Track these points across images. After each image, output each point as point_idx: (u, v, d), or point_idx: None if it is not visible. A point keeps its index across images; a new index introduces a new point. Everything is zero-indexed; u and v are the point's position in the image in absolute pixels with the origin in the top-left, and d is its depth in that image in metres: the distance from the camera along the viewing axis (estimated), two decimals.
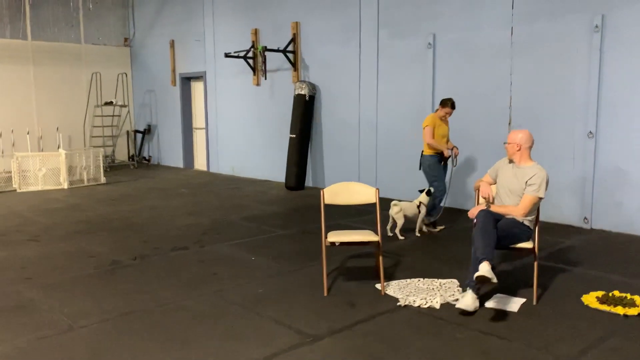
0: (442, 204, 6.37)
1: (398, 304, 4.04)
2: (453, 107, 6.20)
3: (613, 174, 6.20)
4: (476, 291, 3.88)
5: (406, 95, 8.27)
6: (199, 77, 12.49)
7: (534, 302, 4.03)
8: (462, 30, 7.48)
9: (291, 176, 9.67)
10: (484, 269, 3.63)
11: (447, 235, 6.22)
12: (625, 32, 6.00)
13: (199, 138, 13.07)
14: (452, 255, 5.34)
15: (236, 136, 11.54)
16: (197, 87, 12.87)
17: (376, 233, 4.37)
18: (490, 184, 4.42)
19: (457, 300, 4.08)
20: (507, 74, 7.07)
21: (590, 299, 4.06)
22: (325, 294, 4.25)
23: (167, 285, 4.49)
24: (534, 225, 4.17)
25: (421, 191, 6.19)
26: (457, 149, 6.37)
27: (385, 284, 4.37)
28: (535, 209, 4.14)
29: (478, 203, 4.42)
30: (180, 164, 13.20)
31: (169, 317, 3.82)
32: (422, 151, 6.36)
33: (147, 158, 14.15)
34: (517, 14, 6.90)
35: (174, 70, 13.05)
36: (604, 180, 6.27)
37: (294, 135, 9.64)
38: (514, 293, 4.23)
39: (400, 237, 5.96)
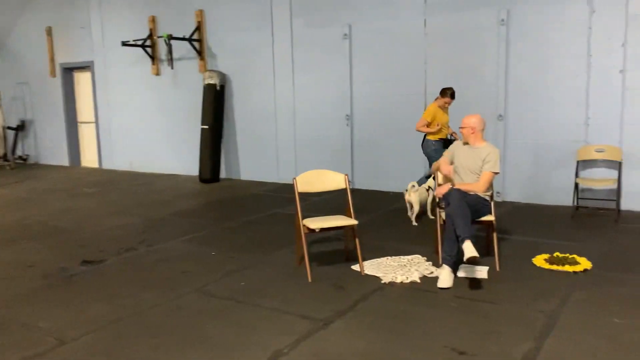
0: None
1: (382, 281, 4.25)
2: (453, 97, 6.37)
3: (521, 152, 7.00)
4: (452, 266, 4.21)
5: (324, 84, 8.48)
6: (85, 67, 11.54)
7: (497, 269, 4.48)
8: (377, 21, 7.85)
9: (205, 168, 9.42)
10: (470, 248, 3.96)
11: (393, 215, 6.56)
12: (527, 25, 6.78)
13: (86, 133, 12.10)
14: (402, 234, 5.68)
15: (134, 129, 10.90)
16: (82, 78, 11.87)
17: (349, 216, 4.52)
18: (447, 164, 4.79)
19: (431, 273, 4.40)
20: (422, 63, 7.59)
21: (540, 261, 4.62)
22: (310, 280, 4.31)
23: (143, 287, 4.24)
24: (491, 199, 4.62)
25: (427, 177, 6.46)
26: (457, 134, 6.53)
27: (362, 264, 4.54)
28: (491, 184, 4.59)
29: (439, 183, 4.78)
30: (66, 162, 12.14)
31: (169, 318, 3.64)
32: (425, 135, 6.55)
33: (23, 157, 12.77)
34: (430, 5, 7.42)
35: (52, 60, 11.89)
36: (513, 157, 7.06)
37: (206, 127, 9.39)
38: (476, 262, 4.65)
39: (415, 223, 6.06)
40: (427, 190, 6.19)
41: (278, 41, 8.82)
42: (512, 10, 6.84)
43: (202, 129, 9.41)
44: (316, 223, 4.39)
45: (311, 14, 8.43)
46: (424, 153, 6.72)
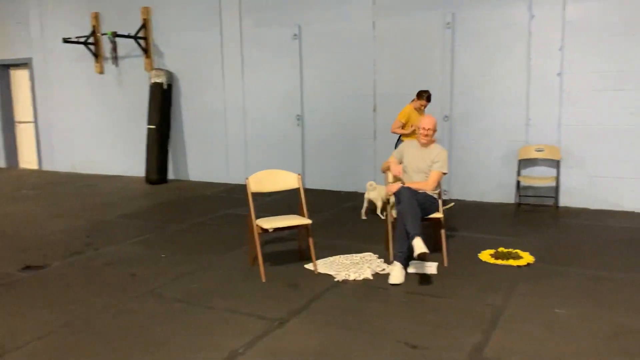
0: None
1: (335, 279, 4.30)
2: (429, 100, 6.32)
3: (466, 152, 7.23)
4: (403, 262, 4.31)
5: (275, 84, 8.47)
6: (22, 64, 11.03)
7: (445, 264, 4.62)
8: (327, 22, 7.91)
9: (152, 169, 9.20)
10: (421, 245, 4.06)
11: (344, 214, 6.62)
12: (471, 28, 7.01)
13: (24, 133, 11.56)
14: (353, 232, 5.75)
15: (77, 129, 10.52)
16: (19, 76, 11.34)
17: (302, 216, 4.55)
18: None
19: (383, 270, 4.49)
20: (372, 64, 7.71)
21: (486, 256, 4.80)
22: (263, 279, 4.31)
23: (90, 292, 4.10)
24: (439, 197, 4.76)
25: None
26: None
27: (316, 263, 4.57)
28: (440, 183, 4.73)
29: (388, 182, 4.88)
30: (1, 163, 11.55)
31: (120, 322, 3.54)
32: (400, 137, 6.50)
33: None
34: (379, 8, 7.55)
35: None
36: (458, 157, 7.28)
37: (153, 126, 9.18)
38: (425, 258, 4.77)
39: (364, 217, 6.30)
40: None
41: (227, 40, 8.74)
42: (457, 14, 7.06)
43: (149, 129, 9.18)
44: (270, 223, 4.38)
45: (261, 13, 8.40)
46: None
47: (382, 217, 6.11)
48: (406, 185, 4.60)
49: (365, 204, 6.37)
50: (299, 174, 4.67)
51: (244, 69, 8.68)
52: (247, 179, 4.49)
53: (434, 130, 4.72)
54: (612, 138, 6.39)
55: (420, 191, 4.58)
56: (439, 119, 7.27)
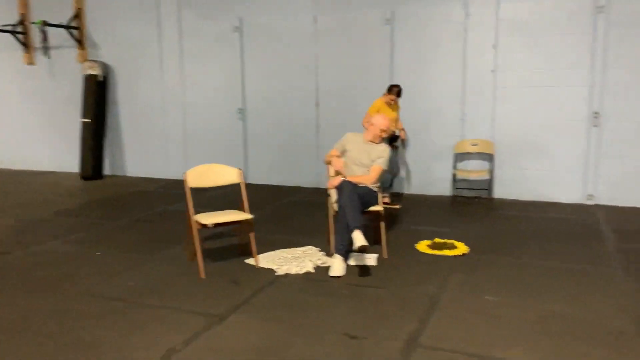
0: (391, 183, 6.63)
1: (276, 273, 4.30)
2: (399, 95, 6.27)
3: (412, 146, 7.39)
4: (344, 255, 4.37)
5: (215, 77, 8.34)
6: None
7: (385, 255, 4.72)
8: (268, 15, 7.86)
9: (87, 165, 8.88)
10: (360, 237, 4.13)
11: (286, 209, 6.62)
12: (410, 25, 7.16)
13: None
14: (295, 226, 5.77)
15: (4, 123, 10.00)
16: None
17: (243, 211, 4.52)
18: (338, 157, 4.95)
19: (324, 263, 4.53)
20: (314, 59, 7.73)
21: (423, 247, 4.95)
22: (203, 276, 4.25)
23: (21, 292, 3.92)
24: (378, 191, 4.85)
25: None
26: (404, 132, 6.62)
27: (257, 258, 4.55)
28: (380, 178, 4.82)
29: (331, 175, 4.92)
30: None
31: (52, 323, 3.39)
32: None
33: None
34: (320, 3, 7.58)
35: None
36: (405, 151, 7.43)
37: (88, 120, 8.85)
38: (365, 250, 4.86)
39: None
40: None
41: (166, 32, 8.52)
42: (396, 11, 7.19)
43: (83, 123, 8.84)
44: (209, 218, 4.32)
45: (201, 5, 8.24)
46: None
47: None
48: (347, 178, 4.65)
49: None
50: (239, 169, 4.63)
51: (183, 61, 8.50)
52: (184, 173, 4.41)
53: (387, 132, 4.83)
54: (542, 133, 6.71)
55: (361, 185, 4.65)
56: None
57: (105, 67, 8.88)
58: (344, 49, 7.55)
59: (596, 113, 6.43)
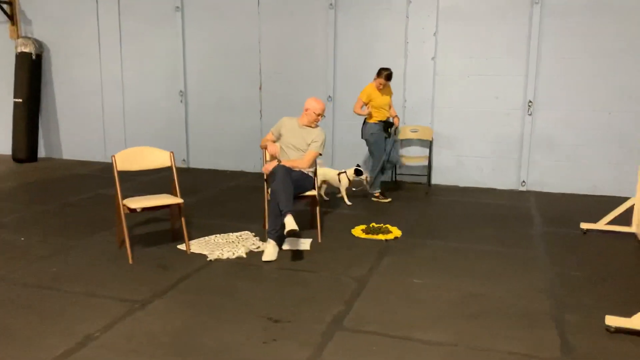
0: (382, 174, 6.26)
1: (208, 259, 4.25)
2: (387, 78, 5.97)
3: (348, 132, 7.41)
4: (276, 239, 4.35)
5: (155, 58, 8.11)
6: None
7: (319, 240, 4.73)
8: None
9: (20, 147, 8.50)
10: (291, 222, 4.11)
11: (226, 193, 6.53)
12: (353, 10, 7.14)
13: None
14: (234, 211, 5.71)
15: None
16: None
17: (174, 195, 4.43)
18: (274, 141, 4.91)
19: (258, 248, 4.51)
20: (257, 41, 7.62)
21: (358, 232, 4.99)
22: (131, 261, 4.15)
23: None
24: (314, 176, 4.85)
25: (358, 166, 6.11)
26: (398, 119, 6.32)
27: (188, 243, 4.47)
28: (315, 162, 4.82)
29: (266, 160, 4.88)
30: None
31: None
32: (365, 119, 6.14)
33: None
34: None
35: None
36: (342, 137, 7.45)
37: (20, 100, 8.44)
38: (299, 235, 4.86)
39: (325, 198, 6.16)
40: (338, 174, 6.04)
41: (103, 9, 8.20)
42: None
43: (15, 103, 8.43)
44: (137, 202, 4.21)
45: None
46: (362, 138, 6.25)
47: (348, 204, 6.00)
48: (282, 163, 4.62)
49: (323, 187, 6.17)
50: (171, 152, 4.51)
51: (122, 41, 8.21)
52: (113, 156, 4.27)
53: (323, 116, 4.80)
54: (477, 120, 6.86)
55: (296, 169, 4.63)
56: (323, 99, 7.37)
57: (39, 45, 8.47)
58: (287, 33, 7.46)
59: (530, 102, 6.62)
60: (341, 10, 7.18)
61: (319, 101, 4.78)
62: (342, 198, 6.11)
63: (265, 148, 4.89)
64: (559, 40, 6.43)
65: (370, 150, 6.25)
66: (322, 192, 6.13)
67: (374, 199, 6.21)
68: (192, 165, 8.15)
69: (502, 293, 3.64)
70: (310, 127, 4.81)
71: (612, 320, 3.09)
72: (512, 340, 2.99)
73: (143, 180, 6.96)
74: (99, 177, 7.36)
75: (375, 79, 6.06)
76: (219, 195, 6.46)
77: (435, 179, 7.12)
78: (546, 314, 3.33)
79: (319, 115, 4.76)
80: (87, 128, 8.61)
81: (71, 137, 8.76)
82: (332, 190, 6.36)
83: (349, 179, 6.02)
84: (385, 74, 5.96)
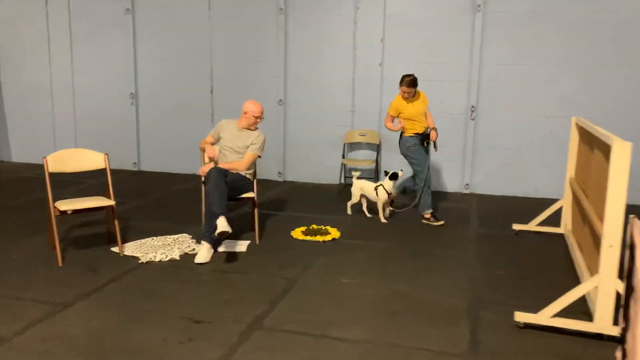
0: (425, 192, 5.51)
1: (140, 261, 4.24)
2: (408, 85, 5.31)
3: (299, 135, 7.48)
4: (210, 241, 4.37)
5: (106, 60, 8.04)
6: None
7: (257, 242, 4.77)
8: None
9: None
10: (223, 223, 4.13)
11: (172, 196, 6.51)
12: (304, 15, 7.22)
13: None
14: (175, 214, 5.70)
15: None
16: None
17: (108, 197, 4.40)
18: (212, 144, 4.94)
19: (193, 250, 4.52)
20: (208, 45, 7.63)
21: (297, 233, 5.04)
22: (60, 264, 4.11)
23: None
24: (253, 178, 4.88)
25: (386, 173, 5.54)
26: (436, 132, 5.49)
27: (122, 246, 4.46)
28: (254, 164, 4.85)
29: (204, 162, 4.90)
30: None
31: None
32: (401, 133, 5.57)
33: None
34: None
35: None
36: (293, 140, 7.51)
37: None
38: (238, 237, 4.90)
39: (348, 212, 5.73)
40: (375, 188, 5.50)
41: (53, 10, 8.09)
42: (289, 1, 7.22)
43: None
44: (68, 205, 4.18)
45: None
46: (401, 154, 5.62)
47: (383, 221, 5.51)
48: (220, 165, 4.65)
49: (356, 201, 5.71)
50: (105, 154, 4.49)
51: (72, 42, 8.11)
52: (44, 158, 4.23)
53: (262, 118, 4.84)
54: None
55: (234, 171, 4.66)
56: (274, 103, 7.43)
57: None
58: (238, 36, 7.50)
59: (473, 107, 6.80)
60: (291, 15, 7.25)
61: (257, 104, 4.82)
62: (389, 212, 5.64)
63: (204, 150, 4.91)
64: (501, 47, 6.63)
65: (412, 168, 5.59)
66: (364, 209, 5.70)
67: (424, 220, 5.52)
68: (143, 168, 8.09)
69: (426, 292, 3.73)
70: (250, 129, 4.85)
71: (521, 317, 3.21)
72: (424, 337, 3.08)
73: (93, 184, 6.89)
74: (43, 180, 7.22)
75: (399, 88, 5.44)
76: (166, 198, 6.43)
77: None
78: (463, 311, 3.43)
79: (257, 118, 4.80)
80: (37, 131, 8.47)
81: (20, 139, 8.60)
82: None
83: (387, 193, 5.46)
84: (406, 81, 5.32)
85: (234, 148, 4.79)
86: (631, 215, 3.00)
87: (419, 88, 5.62)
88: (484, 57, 6.69)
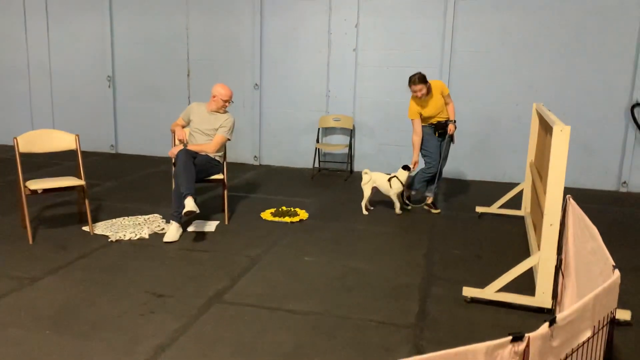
0: (434, 184, 5.45)
1: (109, 240, 4.36)
2: (417, 82, 5.07)
3: (275, 120, 7.59)
4: (179, 221, 4.50)
5: (83, 42, 8.06)
6: None
7: (226, 222, 4.91)
8: None
9: None
10: (190, 203, 4.26)
11: (147, 178, 6.60)
12: None
13: None
14: (148, 196, 5.81)
15: None
16: None
17: (79, 177, 4.50)
18: (183, 126, 5.04)
19: (163, 229, 4.64)
20: (184, 28, 7.68)
21: (266, 215, 5.18)
22: (31, 242, 4.22)
23: None
24: (223, 161, 5.00)
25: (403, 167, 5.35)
26: (453, 125, 5.27)
27: (92, 225, 4.57)
28: (223, 147, 4.97)
29: (175, 144, 5.00)
30: None
31: None
32: (435, 130, 5.35)
33: None
34: None
35: None
36: (269, 124, 7.62)
37: None
38: (209, 218, 5.03)
39: (365, 212, 5.33)
40: (389, 179, 5.30)
41: None
42: None
43: None
44: (39, 184, 4.27)
45: None
46: None
47: (398, 213, 5.33)
48: (189, 147, 4.76)
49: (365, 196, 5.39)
50: (76, 135, 4.57)
51: (49, 23, 8.10)
52: (15, 138, 4.31)
53: (231, 102, 4.95)
54: (397, 110, 7.14)
55: (202, 153, 4.77)
56: (250, 87, 7.53)
57: None
58: (214, 21, 7.55)
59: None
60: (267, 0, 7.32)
61: (226, 87, 4.92)
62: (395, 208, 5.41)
63: (175, 132, 5.01)
64: (471, 34, 6.77)
65: (423, 158, 5.44)
66: (366, 203, 5.37)
67: (424, 206, 5.49)
68: (120, 151, 8.16)
69: (382, 269, 3.91)
70: (219, 112, 4.95)
71: (468, 291, 3.39)
72: (375, 310, 3.25)
73: (70, 165, 6.96)
74: (22, 162, 7.27)
75: (410, 90, 5.19)
76: (140, 180, 6.53)
77: (357, 166, 7.38)
78: (415, 287, 3.61)
79: (225, 101, 4.91)
80: (14, 112, 8.49)
81: None
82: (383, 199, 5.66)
83: (402, 184, 5.28)
84: (413, 80, 5.10)
85: (204, 130, 4.90)
86: (567, 195, 3.19)
87: (431, 78, 5.38)
88: (455, 45, 6.83)
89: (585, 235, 2.41)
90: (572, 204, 2.95)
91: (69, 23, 8.04)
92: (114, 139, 8.13)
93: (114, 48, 7.95)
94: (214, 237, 4.54)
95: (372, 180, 5.37)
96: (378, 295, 3.47)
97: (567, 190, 6.33)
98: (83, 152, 4.54)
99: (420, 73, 5.15)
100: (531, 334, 1.39)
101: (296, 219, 5.08)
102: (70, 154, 4.49)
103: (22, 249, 4.10)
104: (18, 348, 2.71)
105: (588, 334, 1.69)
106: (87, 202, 4.50)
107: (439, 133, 5.31)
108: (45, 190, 4.27)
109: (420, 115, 5.28)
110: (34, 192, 4.24)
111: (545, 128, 4.38)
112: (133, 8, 7.78)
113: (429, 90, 5.18)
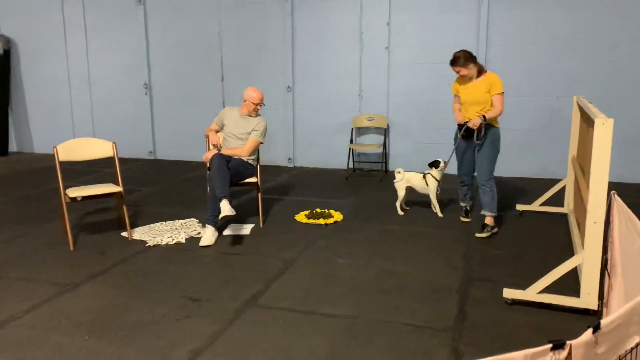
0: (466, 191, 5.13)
1: (147, 245, 4.42)
2: (452, 63, 4.68)
3: (308, 121, 7.58)
4: (215, 225, 4.53)
5: (120, 51, 8.24)
6: None
7: (261, 226, 4.91)
8: None
9: None
10: (226, 207, 4.28)
11: (183, 183, 6.70)
12: (308, 1, 7.27)
13: None
14: (185, 200, 5.88)
15: None
16: None
17: (116, 184, 4.59)
18: (217, 131, 5.07)
19: (199, 234, 4.68)
20: (217, 33, 7.76)
21: (301, 217, 5.16)
22: (72, 248, 4.32)
23: None
24: (257, 164, 5.01)
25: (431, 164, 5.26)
26: (481, 120, 4.56)
27: (131, 230, 4.65)
28: (256, 150, 4.98)
29: (209, 149, 5.04)
30: None
31: None
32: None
33: None
34: None
35: None
36: (302, 126, 7.61)
37: None
38: (244, 221, 5.05)
39: (400, 212, 5.25)
40: (424, 177, 5.22)
41: (68, 4, 8.31)
42: None
43: None
44: (78, 192, 4.38)
45: None
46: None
47: (435, 211, 5.23)
48: (222, 151, 4.79)
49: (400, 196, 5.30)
50: (113, 142, 4.66)
51: (87, 34, 8.33)
52: (55, 147, 4.43)
53: (262, 104, 4.94)
54: (431, 108, 7.01)
55: (236, 157, 4.79)
56: (282, 89, 7.54)
57: (7, 40, 8.59)
58: (246, 24, 7.60)
59: None
60: (297, 1, 7.31)
61: (256, 90, 4.93)
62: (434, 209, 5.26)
63: (208, 137, 5.05)
64: (506, 29, 6.58)
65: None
66: (401, 203, 5.28)
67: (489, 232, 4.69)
68: (159, 156, 8.31)
69: (419, 271, 3.82)
70: (251, 116, 4.96)
71: (509, 293, 3.27)
72: (411, 313, 3.17)
73: (110, 172, 7.13)
74: (65, 169, 7.48)
75: None
76: (177, 185, 6.62)
77: (392, 165, 7.28)
78: (454, 289, 3.51)
79: (257, 104, 4.91)
80: (56, 122, 8.76)
81: (41, 131, 8.91)
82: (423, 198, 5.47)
83: (437, 180, 5.16)
84: (451, 60, 4.66)
85: (237, 134, 4.92)
86: (612, 191, 3.04)
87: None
88: (490, 39, 6.65)
89: (632, 234, 2.28)
90: (617, 200, 2.81)
91: (106, 34, 8.24)
92: (152, 145, 8.29)
93: (150, 56, 8.11)
94: (249, 240, 4.55)
95: (406, 179, 5.28)
96: (415, 297, 3.39)
97: (612, 186, 6.06)
98: (123, 159, 4.62)
99: (459, 52, 4.61)
100: (573, 342, 1.31)
101: (330, 220, 5.04)
102: (109, 161, 4.58)
103: (63, 255, 4.21)
104: (58, 354, 2.76)
105: (637, 339, 1.59)
106: (124, 208, 4.59)
107: (462, 135, 4.74)
108: (85, 198, 4.37)
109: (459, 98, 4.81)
110: (74, 199, 4.34)
111: (587, 121, 4.21)
112: (167, 17, 7.91)
113: (471, 74, 4.64)
